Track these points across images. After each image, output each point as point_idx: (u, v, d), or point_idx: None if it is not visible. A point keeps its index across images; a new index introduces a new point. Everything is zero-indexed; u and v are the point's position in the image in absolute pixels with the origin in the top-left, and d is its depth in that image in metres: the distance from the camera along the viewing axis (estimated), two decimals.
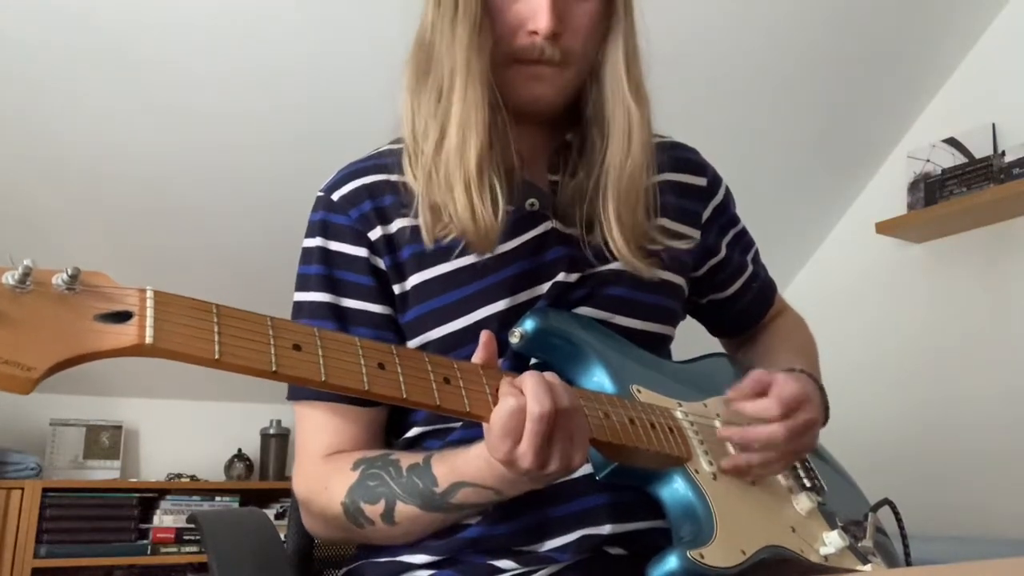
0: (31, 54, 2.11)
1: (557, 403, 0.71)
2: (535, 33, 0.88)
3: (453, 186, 0.87)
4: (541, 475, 0.73)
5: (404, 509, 0.82)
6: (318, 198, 0.97)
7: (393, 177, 0.93)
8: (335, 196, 0.95)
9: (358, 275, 0.92)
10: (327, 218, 0.95)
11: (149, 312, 0.55)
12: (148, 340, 0.54)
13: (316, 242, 0.94)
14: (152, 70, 2.19)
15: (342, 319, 0.92)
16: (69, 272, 0.52)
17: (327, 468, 0.88)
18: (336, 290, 0.92)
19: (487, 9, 0.89)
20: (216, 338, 0.57)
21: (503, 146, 0.90)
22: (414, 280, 0.91)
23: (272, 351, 0.60)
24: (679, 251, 0.99)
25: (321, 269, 0.93)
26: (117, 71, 2.18)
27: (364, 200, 0.94)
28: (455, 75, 0.88)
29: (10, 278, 0.50)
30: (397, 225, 0.92)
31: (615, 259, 0.93)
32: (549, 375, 0.73)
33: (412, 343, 0.92)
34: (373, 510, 0.83)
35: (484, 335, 0.77)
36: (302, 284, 0.94)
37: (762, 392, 0.88)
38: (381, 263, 0.92)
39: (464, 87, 0.87)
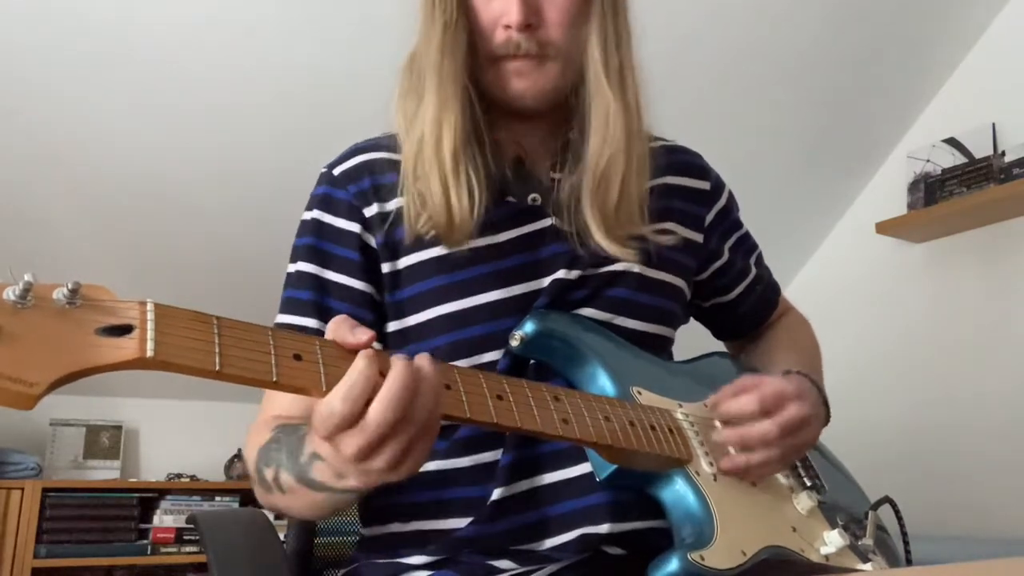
0: (29, 55, 2.10)
1: (409, 416, 0.62)
2: (509, 27, 0.88)
3: (431, 181, 0.88)
4: (366, 469, 0.64)
5: (286, 478, 0.74)
6: (321, 173, 0.98)
7: (396, 156, 0.93)
8: (337, 171, 0.96)
9: (346, 249, 0.92)
10: (326, 192, 0.95)
11: (150, 325, 0.55)
12: (149, 353, 0.53)
13: (312, 214, 0.95)
14: (150, 70, 2.19)
15: (322, 291, 0.92)
16: (69, 286, 0.52)
17: (261, 431, 0.83)
18: (321, 262, 0.93)
19: (466, 12, 0.90)
20: (217, 350, 0.57)
21: (479, 142, 0.90)
22: (407, 260, 0.91)
23: (273, 361, 0.60)
24: (677, 253, 0.99)
25: (311, 240, 0.94)
26: (114, 71, 2.18)
27: (364, 176, 0.94)
28: (428, 76, 0.89)
29: (11, 293, 0.50)
30: (395, 204, 0.92)
31: (616, 260, 0.92)
32: (428, 372, 0.64)
33: (396, 324, 0.92)
34: (270, 474, 0.77)
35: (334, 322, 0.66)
36: (293, 255, 0.95)
37: (743, 393, 0.88)
38: (373, 240, 0.92)
39: (436, 86, 0.88)
